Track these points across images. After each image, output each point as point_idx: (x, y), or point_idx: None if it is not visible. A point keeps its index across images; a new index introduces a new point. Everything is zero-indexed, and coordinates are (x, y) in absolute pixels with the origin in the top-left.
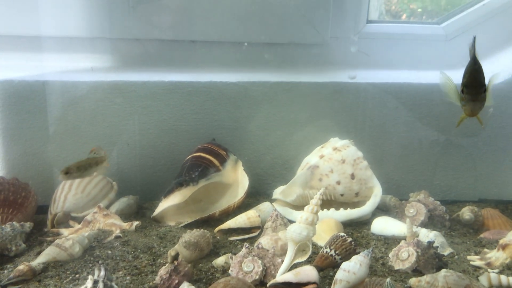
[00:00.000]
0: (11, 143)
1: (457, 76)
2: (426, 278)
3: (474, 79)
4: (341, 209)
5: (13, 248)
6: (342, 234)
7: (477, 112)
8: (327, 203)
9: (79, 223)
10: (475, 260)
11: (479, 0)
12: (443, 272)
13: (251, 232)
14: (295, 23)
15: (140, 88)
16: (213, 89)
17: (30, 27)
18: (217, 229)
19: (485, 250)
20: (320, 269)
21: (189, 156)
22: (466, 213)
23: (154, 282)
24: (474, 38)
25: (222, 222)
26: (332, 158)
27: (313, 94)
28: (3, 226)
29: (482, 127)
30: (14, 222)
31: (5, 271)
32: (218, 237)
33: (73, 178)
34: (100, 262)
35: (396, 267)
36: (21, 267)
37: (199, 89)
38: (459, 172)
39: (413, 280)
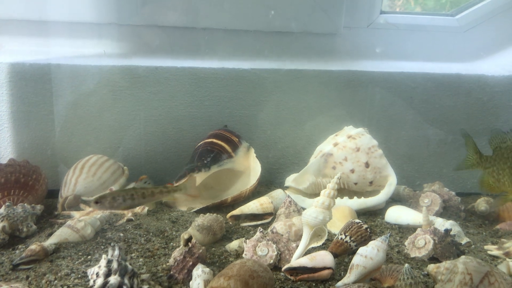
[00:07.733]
0: (21, 126)
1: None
2: (445, 264)
3: None
4: (355, 197)
5: (24, 229)
6: (357, 220)
7: None
8: (340, 191)
9: (90, 206)
10: (492, 249)
11: None
12: (462, 258)
13: (263, 219)
14: (309, 12)
15: (151, 73)
16: (225, 75)
17: (40, 11)
18: (229, 214)
19: (503, 240)
20: (334, 256)
21: (201, 142)
22: (482, 204)
23: (168, 264)
24: None
25: (234, 208)
26: (346, 146)
27: (325, 82)
28: (14, 207)
29: None
30: (25, 204)
31: (17, 251)
32: (231, 223)
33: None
34: (112, 244)
35: (412, 255)
36: (33, 246)
37: (211, 75)
38: None
39: (431, 267)
